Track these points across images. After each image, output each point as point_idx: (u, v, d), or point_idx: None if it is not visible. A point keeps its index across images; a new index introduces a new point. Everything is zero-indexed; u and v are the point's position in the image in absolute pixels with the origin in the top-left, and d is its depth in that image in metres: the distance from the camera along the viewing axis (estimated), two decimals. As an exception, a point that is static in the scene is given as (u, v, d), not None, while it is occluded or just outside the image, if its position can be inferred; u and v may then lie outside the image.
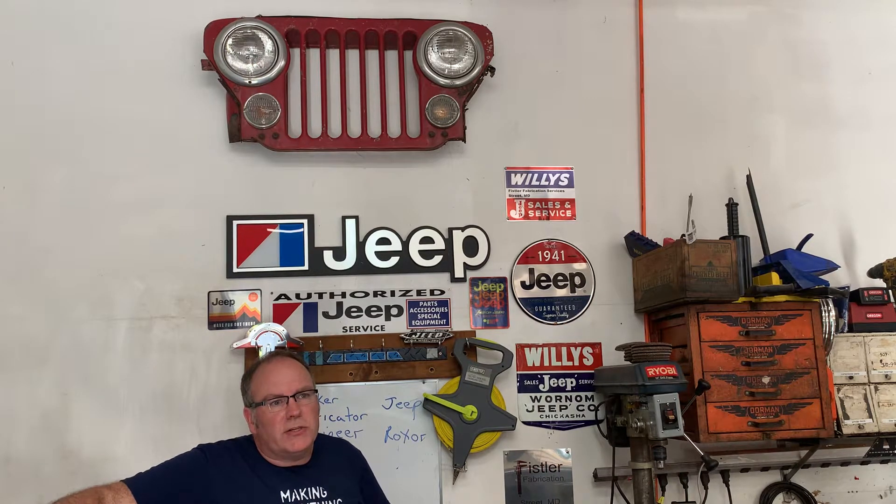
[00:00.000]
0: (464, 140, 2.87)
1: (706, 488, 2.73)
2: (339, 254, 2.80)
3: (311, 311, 2.76)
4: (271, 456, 2.04)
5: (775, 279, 2.66)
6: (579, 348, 2.89)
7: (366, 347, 2.73)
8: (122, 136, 2.76)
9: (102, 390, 2.61)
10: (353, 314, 2.78)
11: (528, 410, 2.82)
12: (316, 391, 2.12)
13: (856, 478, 2.97)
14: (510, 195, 2.96)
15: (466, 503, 2.71)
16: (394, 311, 2.81)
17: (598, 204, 2.99)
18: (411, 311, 2.82)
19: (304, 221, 2.80)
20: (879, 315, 2.81)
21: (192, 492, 1.93)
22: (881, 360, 2.74)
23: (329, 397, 2.67)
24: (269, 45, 2.72)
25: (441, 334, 2.75)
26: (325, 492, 2.03)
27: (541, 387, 2.84)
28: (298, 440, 2.01)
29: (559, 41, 3.08)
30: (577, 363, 2.88)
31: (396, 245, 2.83)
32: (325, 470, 2.09)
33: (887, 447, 2.78)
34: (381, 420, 2.70)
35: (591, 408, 2.85)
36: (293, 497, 1.98)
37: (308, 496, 2.00)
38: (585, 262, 2.95)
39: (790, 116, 3.19)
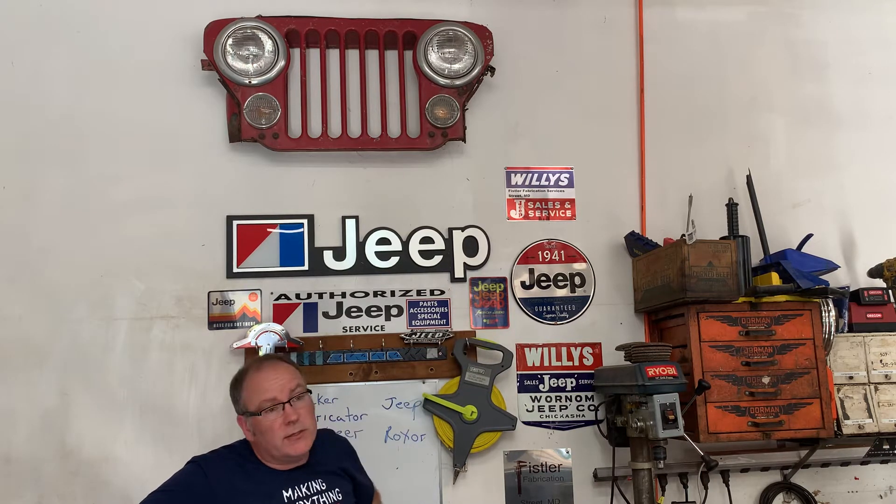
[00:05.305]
0: (464, 140, 2.87)
1: (706, 488, 2.73)
2: (339, 254, 2.80)
3: (311, 311, 2.76)
4: (272, 461, 2.02)
5: (775, 279, 2.66)
6: (579, 348, 2.89)
7: (366, 347, 2.73)
8: (123, 136, 2.76)
9: (102, 390, 2.61)
10: (353, 314, 2.78)
11: (528, 410, 2.82)
12: (309, 390, 2.07)
13: (856, 478, 2.97)
14: (510, 195, 2.96)
15: (466, 503, 2.71)
16: (394, 311, 2.81)
17: (598, 204, 2.99)
18: (411, 311, 2.82)
19: (304, 221, 2.80)
20: (879, 315, 2.81)
21: None
22: (881, 360, 2.74)
23: (329, 397, 2.67)
24: (269, 45, 2.72)
25: (441, 334, 2.75)
26: (323, 484, 2.04)
27: (541, 387, 2.84)
28: (300, 444, 1.98)
29: (559, 41, 3.08)
30: (577, 363, 2.88)
31: (396, 245, 2.83)
32: (320, 463, 2.09)
33: (887, 447, 2.78)
34: (381, 420, 2.70)
35: (591, 408, 2.85)
36: (295, 494, 1.98)
37: (309, 490, 2.00)
38: (585, 262, 2.95)
39: (790, 116, 3.19)
